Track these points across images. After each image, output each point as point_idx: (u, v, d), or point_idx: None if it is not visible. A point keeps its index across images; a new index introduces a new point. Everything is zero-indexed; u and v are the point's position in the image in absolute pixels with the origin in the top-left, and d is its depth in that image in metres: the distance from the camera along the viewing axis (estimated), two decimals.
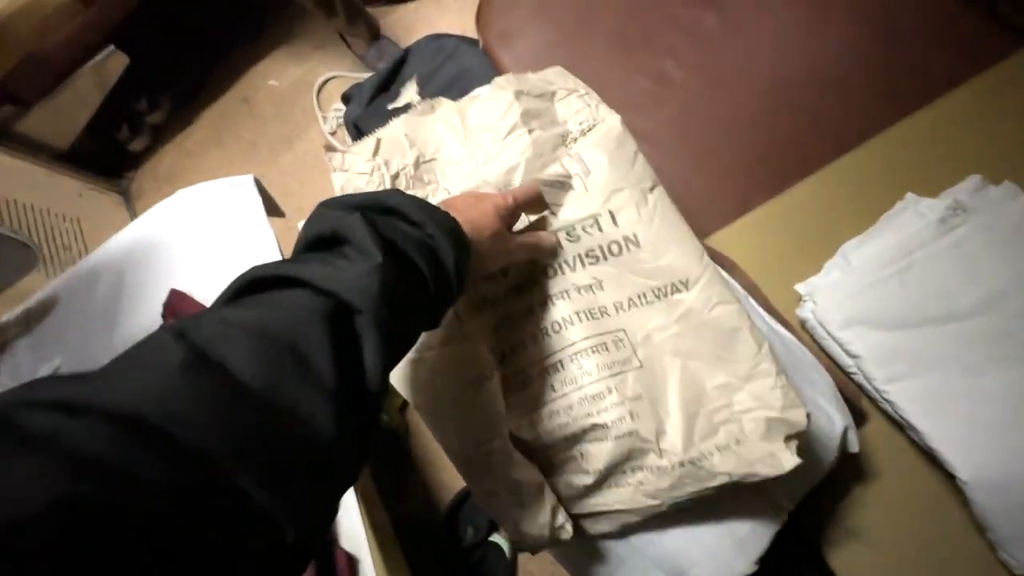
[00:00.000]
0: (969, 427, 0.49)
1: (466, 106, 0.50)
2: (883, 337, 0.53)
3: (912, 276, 0.53)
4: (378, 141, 0.49)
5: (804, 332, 0.58)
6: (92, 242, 1.27)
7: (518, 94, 0.47)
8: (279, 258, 0.82)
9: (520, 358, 0.44)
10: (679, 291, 0.42)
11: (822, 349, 0.56)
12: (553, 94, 0.50)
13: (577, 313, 0.43)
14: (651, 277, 0.43)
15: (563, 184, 0.44)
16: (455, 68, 0.88)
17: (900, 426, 0.53)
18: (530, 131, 0.46)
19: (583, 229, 0.44)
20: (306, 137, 1.40)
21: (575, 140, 0.47)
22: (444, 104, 0.53)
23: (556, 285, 0.44)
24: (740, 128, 0.66)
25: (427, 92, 0.91)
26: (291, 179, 1.36)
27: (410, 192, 0.45)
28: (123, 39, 1.28)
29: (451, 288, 0.32)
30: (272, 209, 0.90)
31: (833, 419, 0.46)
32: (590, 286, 0.44)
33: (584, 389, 0.42)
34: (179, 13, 1.40)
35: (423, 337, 0.43)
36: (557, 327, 0.43)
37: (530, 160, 0.45)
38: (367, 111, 0.92)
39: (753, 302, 0.51)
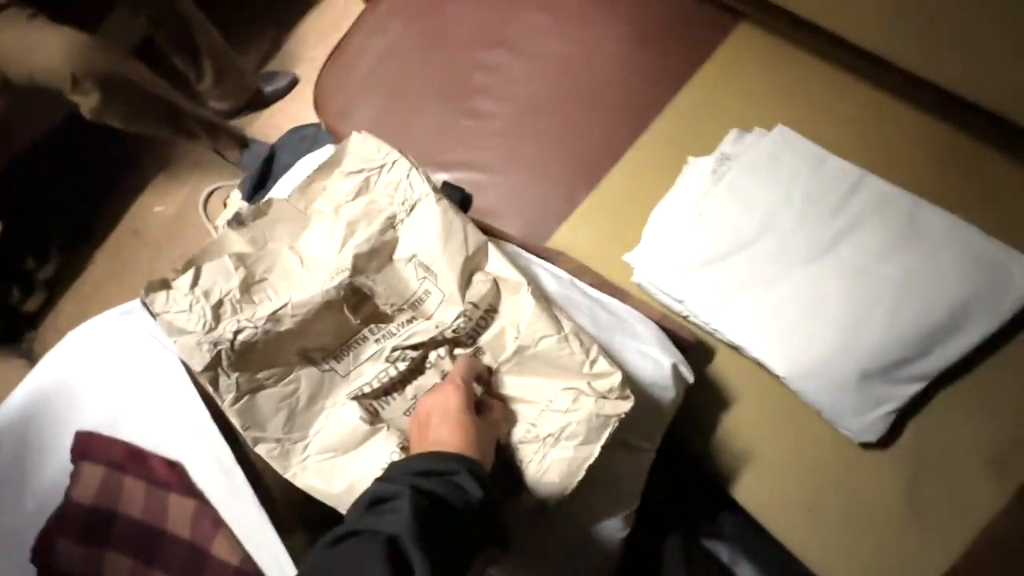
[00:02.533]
0: (776, 331, 0.57)
1: (298, 242, 0.53)
2: (697, 278, 0.61)
3: (704, 221, 0.62)
4: (197, 270, 0.49)
5: (643, 294, 0.65)
6: None
7: (336, 209, 0.51)
8: (184, 376, 0.82)
9: None
10: (518, 333, 0.47)
11: (660, 303, 0.64)
12: (368, 181, 0.52)
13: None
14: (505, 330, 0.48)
15: (422, 299, 0.49)
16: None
17: (735, 348, 0.60)
18: (356, 234, 0.49)
19: (461, 324, 0.48)
20: None
21: (402, 221, 0.50)
22: (279, 220, 0.54)
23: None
24: (551, 139, 0.76)
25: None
26: None
27: (239, 315, 0.48)
28: None
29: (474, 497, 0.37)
30: None
31: (660, 361, 0.52)
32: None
33: None
34: (47, 170, 1.42)
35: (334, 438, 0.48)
36: None
37: (361, 256, 0.49)
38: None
39: (579, 283, 0.58)
